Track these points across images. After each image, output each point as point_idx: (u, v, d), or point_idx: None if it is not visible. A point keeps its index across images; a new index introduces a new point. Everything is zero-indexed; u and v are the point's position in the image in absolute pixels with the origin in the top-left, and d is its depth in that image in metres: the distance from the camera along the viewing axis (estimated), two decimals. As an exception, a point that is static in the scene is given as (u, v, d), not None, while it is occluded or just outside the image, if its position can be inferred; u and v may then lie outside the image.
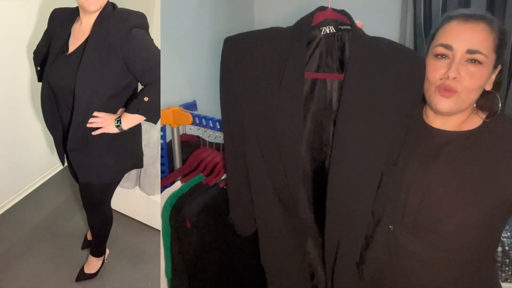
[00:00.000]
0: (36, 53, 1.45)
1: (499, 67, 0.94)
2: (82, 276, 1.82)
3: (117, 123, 1.33)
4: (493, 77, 0.94)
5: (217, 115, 1.46)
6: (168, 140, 1.56)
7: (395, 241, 1.00)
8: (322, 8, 0.94)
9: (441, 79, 0.92)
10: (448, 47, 0.91)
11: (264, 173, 1.00)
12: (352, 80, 0.89)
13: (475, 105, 0.97)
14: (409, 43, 2.18)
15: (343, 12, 0.95)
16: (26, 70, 2.08)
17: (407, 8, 2.16)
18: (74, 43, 1.33)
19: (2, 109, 2.00)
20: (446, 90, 0.91)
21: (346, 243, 1.00)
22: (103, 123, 1.32)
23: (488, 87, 0.95)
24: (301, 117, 0.92)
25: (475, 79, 0.90)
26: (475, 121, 0.97)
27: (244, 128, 0.98)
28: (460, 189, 0.92)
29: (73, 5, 1.34)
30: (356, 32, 0.92)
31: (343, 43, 0.95)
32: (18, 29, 1.98)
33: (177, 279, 1.42)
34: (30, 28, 2.02)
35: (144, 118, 1.32)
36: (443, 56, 0.92)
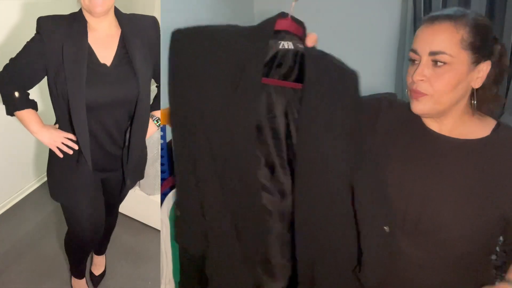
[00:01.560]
0: (17, 72, 1.22)
1: (487, 63, 0.91)
2: (98, 279, 1.83)
3: (157, 122, 1.40)
4: (481, 74, 0.91)
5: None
6: (168, 140, 1.56)
7: (394, 246, 0.99)
8: (283, 15, 0.93)
9: (412, 83, 0.93)
10: (414, 51, 0.92)
11: (216, 181, 0.94)
12: (311, 89, 0.92)
13: (473, 106, 0.95)
14: (409, 43, 2.17)
15: (301, 24, 0.95)
16: None
17: (407, 8, 2.16)
18: (104, 54, 1.25)
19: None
20: (416, 93, 0.92)
21: (323, 260, 0.97)
22: (151, 127, 1.40)
23: (476, 85, 0.93)
24: (254, 122, 0.90)
25: (443, 80, 0.89)
26: (483, 129, 0.95)
27: (195, 126, 0.92)
28: (463, 201, 0.91)
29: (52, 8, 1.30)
30: (309, 49, 0.94)
31: (298, 57, 0.96)
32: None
33: (186, 282, 1.42)
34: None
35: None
36: (414, 61, 0.94)
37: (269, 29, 0.92)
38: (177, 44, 0.93)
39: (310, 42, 0.93)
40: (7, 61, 1.23)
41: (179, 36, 0.93)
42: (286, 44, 0.94)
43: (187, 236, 1.09)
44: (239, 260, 1.00)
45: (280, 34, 0.93)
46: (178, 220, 1.08)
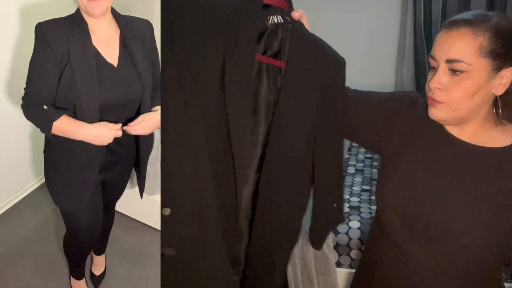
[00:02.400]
0: (39, 91, 1.20)
1: (511, 69, 0.86)
2: (98, 279, 1.83)
3: None
4: (504, 81, 0.87)
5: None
6: (168, 140, 1.56)
7: (399, 248, 0.98)
8: None
9: (430, 90, 0.91)
10: (432, 57, 0.90)
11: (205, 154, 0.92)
12: (292, 67, 0.92)
13: (497, 114, 0.92)
14: (409, 43, 2.18)
15: (289, 1, 0.94)
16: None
17: (407, 8, 2.16)
18: (109, 54, 1.25)
19: (2, 109, 2.00)
20: (433, 100, 0.90)
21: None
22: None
23: (498, 92, 0.89)
24: (250, 96, 0.92)
25: (461, 88, 0.86)
26: (505, 137, 0.92)
27: (189, 92, 0.90)
28: (479, 209, 0.89)
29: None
30: (296, 24, 0.94)
31: (285, 33, 0.95)
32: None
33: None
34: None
35: None
36: (433, 68, 0.91)
37: (259, 2, 0.91)
38: (169, 8, 0.93)
39: (295, 15, 0.93)
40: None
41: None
42: (276, 18, 0.93)
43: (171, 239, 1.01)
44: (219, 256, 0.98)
45: (269, 8, 0.93)
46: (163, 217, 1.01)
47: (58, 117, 1.19)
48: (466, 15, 0.88)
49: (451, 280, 0.95)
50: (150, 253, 2.03)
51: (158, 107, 1.40)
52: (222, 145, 0.92)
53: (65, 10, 1.25)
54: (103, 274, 1.85)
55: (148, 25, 1.35)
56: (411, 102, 1.02)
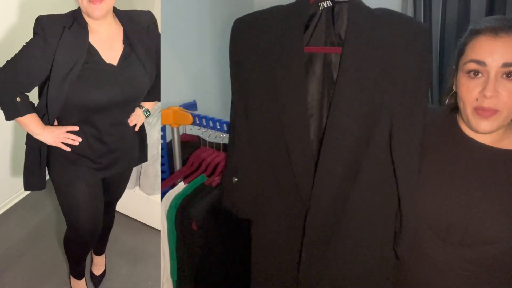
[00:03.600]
0: (17, 75, 1.17)
1: None
2: (99, 279, 1.83)
3: (146, 113, 1.42)
4: None
5: (217, 115, 1.46)
6: (168, 140, 1.56)
7: (433, 260, 0.97)
8: None
9: (477, 99, 0.88)
10: (480, 63, 0.86)
11: (264, 155, 1.02)
12: (350, 52, 0.87)
13: None
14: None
15: None
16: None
17: (407, 8, 2.16)
18: (109, 54, 1.24)
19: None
20: (485, 111, 0.87)
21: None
22: (140, 116, 1.40)
23: None
24: (304, 90, 0.91)
25: None
26: None
27: (248, 107, 0.99)
28: (510, 213, 0.89)
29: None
30: (354, 3, 0.90)
31: (341, 16, 0.92)
32: None
33: (183, 281, 1.42)
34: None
35: (159, 100, 1.46)
36: (476, 73, 0.88)
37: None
38: (236, 31, 1.00)
39: None
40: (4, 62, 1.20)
41: (238, 23, 0.99)
42: (325, 3, 0.92)
43: (238, 201, 1.15)
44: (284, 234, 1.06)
45: None
46: (231, 184, 1.13)
47: (24, 114, 1.20)
48: (504, 20, 0.87)
49: (486, 284, 0.94)
50: (150, 253, 2.03)
51: (146, 104, 1.42)
52: (278, 140, 0.97)
53: (67, 8, 1.25)
54: (103, 274, 1.85)
55: (152, 16, 1.34)
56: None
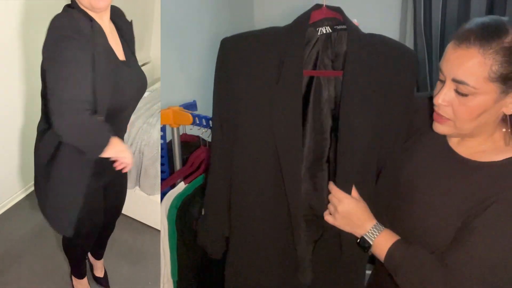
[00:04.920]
0: (85, 78, 1.02)
1: None
2: (105, 280, 1.84)
3: None
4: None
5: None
6: (168, 140, 1.56)
7: None
8: (317, 6, 0.94)
9: (435, 104, 0.89)
10: (440, 69, 0.87)
11: (254, 178, 0.99)
12: (352, 75, 0.91)
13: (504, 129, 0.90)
14: (409, 43, 2.18)
15: (338, 10, 0.95)
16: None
17: (407, 8, 2.16)
18: (117, 50, 1.18)
19: (4, 108, 2.00)
20: (439, 116, 0.88)
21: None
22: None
23: (509, 111, 0.85)
24: (300, 112, 0.92)
25: (466, 109, 0.83)
26: (495, 154, 0.89)
27: (239, 126, 0.97)
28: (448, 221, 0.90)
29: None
30: (352, 30, 0.93)
31: (340, 42, 0.95)
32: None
33: (184, 281, 1.42)
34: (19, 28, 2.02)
35: None
36: (441, 80, 0.88)
37: (304, 21, 0.93)
38: (225, 51, 0.97)
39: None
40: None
41: (227, 43, 0.97)
42: (324, 29, 0.93)
43: (208, 238, 1.14)
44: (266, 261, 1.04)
45: (318, 22, 0.94)
46: (202, 220, 1.12)
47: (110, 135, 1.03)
48: (478, 26, 0.81)
49: None
50: (150, 253, 2.03)
51: None
52: (273, 161, 0.95)
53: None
54: (106, 275, 1.86)
55: (121, 10, 1.29)
56: (416, 108, 1.02)
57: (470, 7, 1.93)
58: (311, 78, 0.97)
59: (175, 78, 1.74)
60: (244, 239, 1.06)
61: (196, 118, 1.44)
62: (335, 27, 0.94)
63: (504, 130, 0.89)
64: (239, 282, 1.10)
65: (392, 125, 0.98)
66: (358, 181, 0.96)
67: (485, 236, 0.83)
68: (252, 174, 0.99)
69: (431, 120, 0.97)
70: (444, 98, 0.86)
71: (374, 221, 0.95)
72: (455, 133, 0.91)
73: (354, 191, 0.96)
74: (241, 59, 0.95)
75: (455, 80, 0.83)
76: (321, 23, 0.93)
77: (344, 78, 0.91)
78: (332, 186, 0.96)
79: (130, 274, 1.91)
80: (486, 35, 0.79)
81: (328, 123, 0.98)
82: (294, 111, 0.92)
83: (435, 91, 0.90)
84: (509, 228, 0.82)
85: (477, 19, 0.84)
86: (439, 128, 0.91)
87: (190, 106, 1.63)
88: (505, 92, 0.82)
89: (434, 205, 0.93)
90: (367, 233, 0.94)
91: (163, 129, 1.57)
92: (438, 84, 0.90)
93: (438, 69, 0.89)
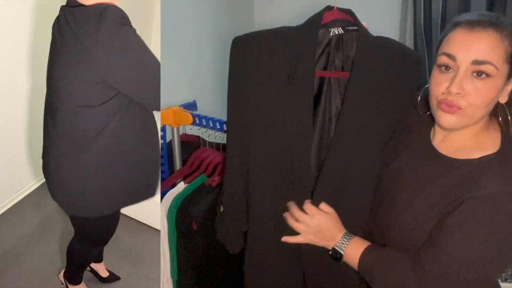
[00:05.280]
0: None
1: None
2: (111, 275, 1.85)
3: None
4: (509, 88, 0.85)
5: (217, 115, 1.46)
6: (168, 140, 1.56)
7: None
8: (329, 8, 0.95)
9: (443, 93, 0.85)
10: (451, 57, 0.83)
11: (268, 175, 1.00)
12: (356, 77, 0.92)
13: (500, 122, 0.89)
14: (409, 43, 2.17)
15: (349, 12, 0.96)
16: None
17: (407, 8, 2.16)
18: None
19: (3, 108, 2.00)
20: (449, 106, 0.84)
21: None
22: None
23: (503, 100, 0.86)
24: (311, 113, 0.93)
25: (482, 95, 0.81)
26: (476, 151, 0.89)
27: (252, 126, 0.98)
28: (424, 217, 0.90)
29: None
30: (362, 32, 0.95)
31: (350, 43, 0.96)
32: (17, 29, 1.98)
33: (184, 281, 1.42)
34: (28, 27, 2.02)
35: None
36: (447, 68, 0.84)
37: (317, 22, 0.94)
38: (237, 50, 0.98)
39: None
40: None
41: (239, 42, 0.98)
42: (336, 30, 0.94)
43: (228, 235, 1.14)
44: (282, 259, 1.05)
45: (330, 23, 0.95)
46: (220, 216, 1.12)
47: None
48: (484, 15, 0.83)
49: None
50: (150, 253, 2.03)
51: None
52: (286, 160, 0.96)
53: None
54: (111, 272, 1.87)
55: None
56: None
57: (470, 7, 1.93)
58: (323, 78, 0.98)
59: (175, 78, 1.74)
60: (261, 237, 1.07)
61: (196, 118, 1.44)
62: (346, 28, 0.95)
63: (500, 118, 0.89)
64: (259, 279, 1.11)
65: (392, 127, 0.99)
66: (345, 186, 0.96)
67: (458, 234, 0.82)
68: (266, 171, 1.00)
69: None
70: (460, 85, 0.81)
71: (344, 231, 0.96)
72: (462, 125, 0.86)
73: (323, 204, 0.96)
74: (253, 58, 0.95)
75: (476, 62, 0.80)
76: (333, 24, 0.94)
77: (350, 80, 0.92)
78: (306, 203, 0.96)
79: (130, 274, 1.91)
80: (496, 20, 0.81)
81: (333, 123, 0.99)
82: (306, 111, 0.92)
83: (439, 80, 0.86)
84: (482, 224, 0.81)
85: (473, 12, 0.86)
86: (449, 119, 0.85)
87: (190, 106, 1.63)
88: (508, 77, 0.82)
89: (410, 203, 0.92)
90: (337, 244, 0.95)
91: (163, 129, 1.57)
92: (442, 74, 0.86)
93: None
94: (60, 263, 1.90)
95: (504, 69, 0.81)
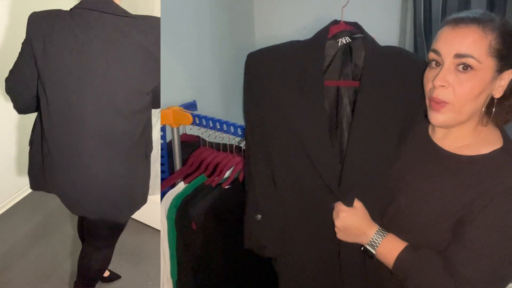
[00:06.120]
0: None
1: (510, 71, 0.86)
2: (112, 274, 1.85)
3: None
4: (503, 83, 0.86)
5: (217, 115, 1.46)
6: (168, 140, 1.56)
7: None
8: (335, 22, 1.00)
9: (430, 89, 0.88)
10: (436, 52, 0.87)
11: (293, 187, 1.01)
12: (366, 86, 0.94)
13: (492, 116, 0.90)
14: (409, 43, 2.17)
15: (355, 25, 1.00)
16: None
17: (407, 8, 2.16)
18: None
19: (2, 107, 2.00)
20: (437, 103, 0.86)
21: None
22: None
23: (497, 94, 0.87)
24: (325, 121, 0.95)
25: (467, 87, 0.83)
26: (486, 146, 0.90)
27: (270, 139, 1.01)
28: (443, 215, 0.90)
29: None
30: (369, 40, 0.97)
31: (358, 51, 0.99)
32: None
33: (184, 281, 1.42)
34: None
35: None
36: (436, 64, 0.88)
37: (324, 35, 0.98)
38: (250, 65, 1.02)
39: None
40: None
41: (252, 58, 1.02)
42: (344, 40, 0.97)
43: (263, 239, 1.13)
44: (314, 261, 1.05)
45: (337, 34, 0.98)
46: (257, 225, 1.12)
47: None
48: (470, 13, 0.86)
49: None
50: (150, 253, 2.03)
51: None
52: (303, 167, 0.98)
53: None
54: (110, 271, 1.87)
55: None
56: None
57: (470, 7, 1.93)
58: (333, 87, 1.00)
59: (175, 78, 1.74)
60: (294, 242, 1.08)
61: (196, 118, 1.44)
62: (354, 36, 0.98)
63: (483, 109, 0.89)
64: (295, 282, 1.12)
65: (403, 132, 0.99)
66: (364, 191, 0.97)
67: (491, 231, 0.83)
68: (289, 178, 1.01)
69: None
70: (444, 78, 0.84)
71: (375, 228, 0.95)
72: (452, 121, 0.88)
73: (356, 201, 0.96)
74: (267, 71, 0.99)
75: (458, 55, 0.83)
76: (340, 34, 0.98)
77: (360, 89, 0.95)
78: (337, 202, 0.97)
79: (130, 274, 1.91)
80: (481, 17, 0.84)
81: (345, 133, 1.01)
82: (320, 121, 0.94)
83: (428, 77, 0.89)
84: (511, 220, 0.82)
85: (464, 11, 0.89)
86: (438, 117, 0.88)
87: (190, 106, 1.63)
88: (498, 71, 0.84)
89: (422, 205, 0.92)
90: (369, 242, 0.94)
91: (163, 129, 1.57)
92: (429, 71, 0.90)
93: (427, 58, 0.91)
94: (60, 263, 1.91)
95: (489, 63, 0.83)
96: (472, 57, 0.82)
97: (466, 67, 0.83)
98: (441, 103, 0.86)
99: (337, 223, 0.95)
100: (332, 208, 0.98)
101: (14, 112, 1.31)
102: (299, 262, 1.08)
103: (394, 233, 0.95)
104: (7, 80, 1.23)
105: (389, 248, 0.93)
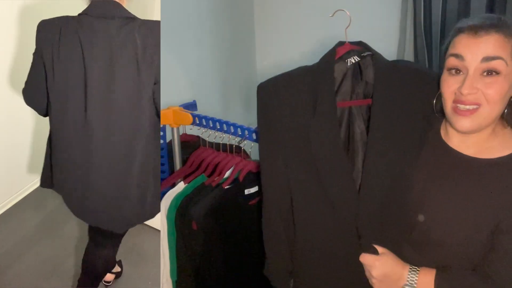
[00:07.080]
0: None
1: None
2: (116, 274, 1.86)
3: None
4: None
5: (217, 115, 1.46)
6: (168, 140, 1.56)
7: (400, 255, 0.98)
8: (341, 43, 1.00)
9: (455, 93, 0.86)
10: (459, 57, 0.85)
11: (312, 211, 1.01)
12: (379, 101, 0.95)
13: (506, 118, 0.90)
14: (409, 44, 2.17)
15: (360, 44, 1.01)
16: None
17: (407, 8, 2.16)
18: None
19: (4, 110, 2.00)
20: (466, 109, 0.85)
21: None
22: None
23: None
24: (340, 143, 0.95)
25: (495, 88, 0.83)
26: (504, 148, 0.90)
27: (287, 164, 1.01)
28: (477, 224, 0.89)
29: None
30: (378, 57, 0.97)
31: (368, 68, 0.99)
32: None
33: (183, 281, 1.42)
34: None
35: None
36: (457, 71, 0.86)
37: (332, 57, 0.98)
38: (262, 95, 1.02)
39: None
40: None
41: (263, 88, 1.02)
42: (353, 59, 0.98)
43: (277, 277, 1.15)
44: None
45: (345, 55, 0.99)
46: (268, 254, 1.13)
47: None
48: (485, 19, 0.86)
49: None
50: (150, 253, 2.03)
51: None
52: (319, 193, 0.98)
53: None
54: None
55: None
56: None
57: (470, 7, 1.93)
58: (350, 109, 1.00)
59: (175, 78, 1.75)
60: (309, 272, 1.08)
61: (196, 118, 1.44)
62: (362, 54, 0.98)
63: (506, 110, 0.89)
64: None
65: (414, 146, 0.98)
66: (385, 213, 0.96)
67: None
68: (305, 204, 1.01)
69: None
70: (471, 86, 0.83)
71: (407, 267, 0.94)
72: (477, 126, 0.87)
73: (379, 248, 0.95)
74: (278, 101, 0.99)
75: (487, 58, 0.82)
76: (348, 55, 0.99)
77: (373, 106, 0.95)
78: (362, 255, 0.95)
79: (130, 274, 1.91)
80: (497, 22, 0.84)
81: (359, 152, 1.00)
82: (335, 143, 0.94)
83: (449, 83, 0.87)
84: None
85: (474, 16, 0.88)
86: (466, 122, 0.86)
87: (190, 106, 1.63)
88: None
89: (455, 217, 0.91)
90: (407, 282, 0.92)
91: (163, 129, 1.57)
92: (451, 77, 0.87)
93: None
94: (60, 263, 1.91)
95: None
96: (501, 58, 0.82)
97: (492, 72, 0.82)
98: (471, 110, 0.85)
99: (375, 273, 0.93)
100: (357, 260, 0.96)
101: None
102: None
103: (426, 250, 0.94)
104: (24, 91, 1.24)
105: (426, 281, 0.91)
